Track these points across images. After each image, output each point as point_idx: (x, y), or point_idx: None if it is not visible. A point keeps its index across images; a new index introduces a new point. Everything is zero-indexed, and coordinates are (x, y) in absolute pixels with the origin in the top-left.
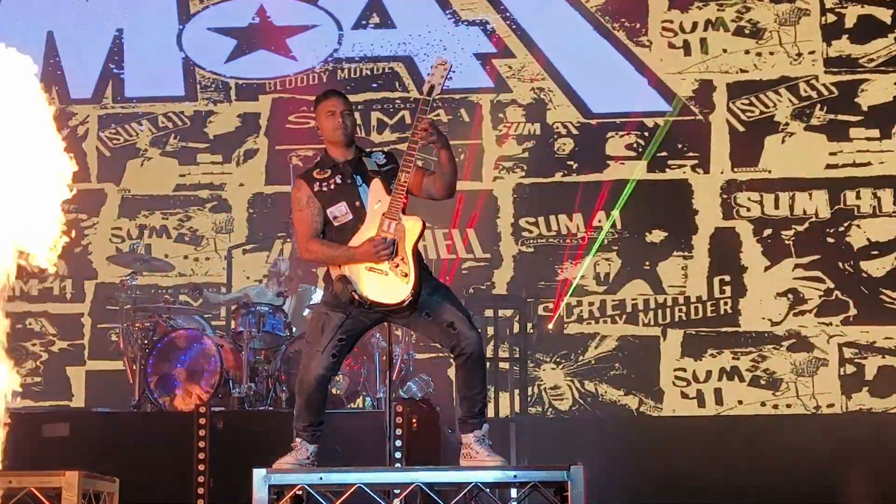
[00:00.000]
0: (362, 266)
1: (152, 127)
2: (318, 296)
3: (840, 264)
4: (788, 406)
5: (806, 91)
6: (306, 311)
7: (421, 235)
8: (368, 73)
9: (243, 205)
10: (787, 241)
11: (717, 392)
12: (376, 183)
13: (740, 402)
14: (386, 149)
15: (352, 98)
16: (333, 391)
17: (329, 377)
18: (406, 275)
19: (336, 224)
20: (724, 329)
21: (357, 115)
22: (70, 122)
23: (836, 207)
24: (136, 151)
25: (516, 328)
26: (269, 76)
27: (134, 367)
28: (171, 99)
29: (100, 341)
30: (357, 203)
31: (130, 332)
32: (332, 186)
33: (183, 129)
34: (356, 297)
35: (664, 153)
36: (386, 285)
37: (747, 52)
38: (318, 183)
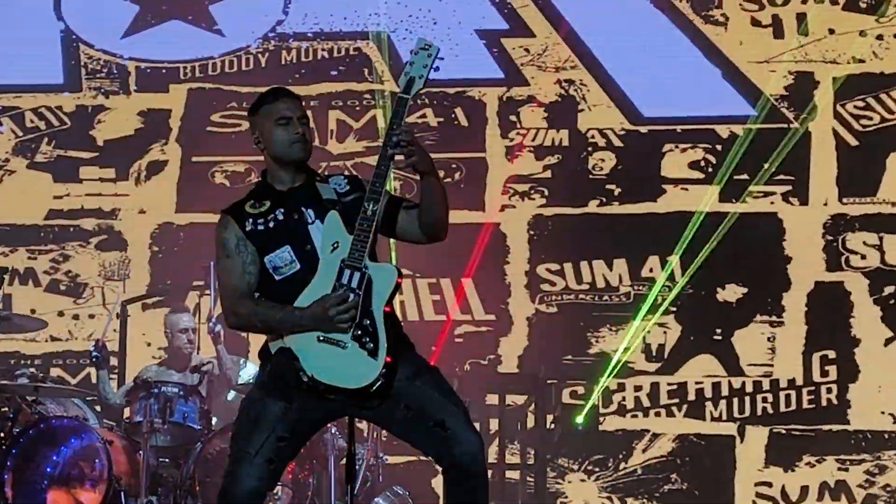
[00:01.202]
0: (313, 336)
1: (16, 128)
2: (250, 373)
3: None
4: None
5: None
6: (232, 395)
7: (396, 290)
8: (326, 55)
9: (144, 240)
10: None
11: None
12: (333, 218)
13: None
14: (351, 164)
15: (302, 91)
16: None
17: (264, 491)
18: (374, 348)
19: (277, 277)
20: (826, 427)
21: (309, 115)
22: None
23: None
24: None
25: (531, 421)
26: (184, 58)
27: None
28: (45, 88)
29: None
30: (307, 246)
31: None
32: (273, 224)
33: (61, 131)
34: (304, 378)
35: (744, 175)
36: (346, 363)
37: (863, 33)
38: (251, 219)
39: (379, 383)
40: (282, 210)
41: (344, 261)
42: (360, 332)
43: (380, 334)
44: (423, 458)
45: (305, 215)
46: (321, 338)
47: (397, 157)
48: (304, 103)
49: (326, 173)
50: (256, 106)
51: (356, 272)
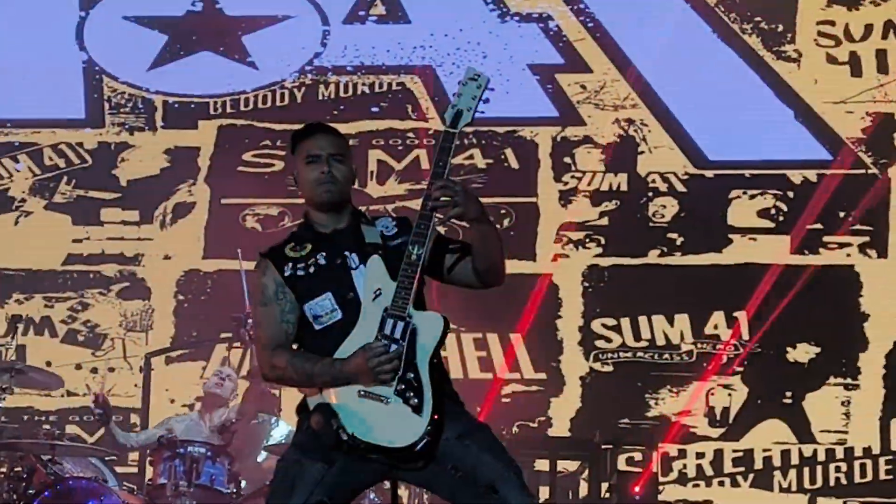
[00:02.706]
0: (354, 390)
1: (34, 166)
2: (282, 432)
3: None
4: None
5: None
6: (263, 456)
7: (443, 341)
8: (366, 90)
9: (170, 288)
10: None
11: None
12: (375, 262)
13: None
14: (391, 207)
15: (340, 129)
16: None
17: None
18: (419, 403)
19: (317, 326)
20: None
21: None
22: None
23: None
24: (7, 202)
25: (584, 490)
26: (214, 92)
27: None
28: (65, 123)
29: None
30: (349, 294)
31: None
32: (314, 269)
33: (81, 169)
34: (344, 437)
35: (819, 225)
36: (389, 420)
37: None
38: (291, 264)
39: (424, 442)
40: (324, 254)
41: (387, 309)
42: (403, 387)
43: (425, 389)
44: None
45: (349, 260)
46: (362, 392)
47: (437, 214)
48: (348, 143)
49: (373, 216)
50: (293, 142)
51: (399, 321)
